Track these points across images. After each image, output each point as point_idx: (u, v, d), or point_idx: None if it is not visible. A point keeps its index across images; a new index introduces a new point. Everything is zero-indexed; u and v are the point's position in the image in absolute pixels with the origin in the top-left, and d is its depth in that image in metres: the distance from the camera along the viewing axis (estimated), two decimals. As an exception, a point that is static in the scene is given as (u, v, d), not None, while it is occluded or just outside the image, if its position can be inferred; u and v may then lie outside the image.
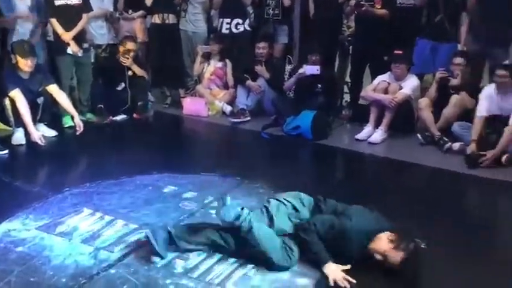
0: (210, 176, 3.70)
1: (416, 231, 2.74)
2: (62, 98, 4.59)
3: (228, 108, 5.41)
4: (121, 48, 5.20)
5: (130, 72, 5.21)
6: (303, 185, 3.76)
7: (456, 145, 4.25)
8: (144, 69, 5.40)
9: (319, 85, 4.96)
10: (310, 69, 4.92)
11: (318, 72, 4.88)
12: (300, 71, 5.00)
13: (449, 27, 4.69)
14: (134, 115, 5.19)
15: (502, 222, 3.37)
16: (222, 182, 3.58)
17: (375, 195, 3.56)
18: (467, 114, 4.37)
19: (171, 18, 5.55)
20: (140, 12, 5.64)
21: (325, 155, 4.47)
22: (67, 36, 4.82)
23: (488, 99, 4.09)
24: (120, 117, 5.16)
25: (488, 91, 4.12)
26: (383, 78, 4.75)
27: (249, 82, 5.31)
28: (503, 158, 3.94)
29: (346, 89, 5.61)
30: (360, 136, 4.64)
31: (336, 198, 3.37)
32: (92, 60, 5.37)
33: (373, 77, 4.99)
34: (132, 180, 3.59)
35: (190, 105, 5.48)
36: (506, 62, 4.09)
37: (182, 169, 3.78)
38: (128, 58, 5.14)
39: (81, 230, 2.87)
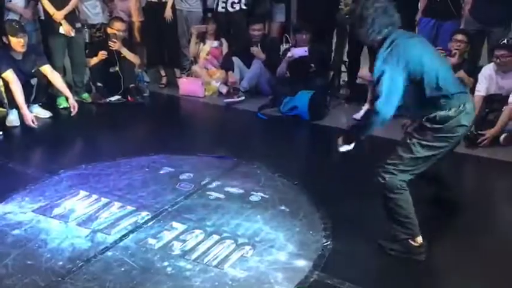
0: (207, 157, 3.67)
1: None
2: (56, 79, 4.53)
3: (224, 89, 5.36)
4: (109, 30, 5.11)
5: (122, 55, 5.14)
6: (301, 165, 3.77)
7: (454, 125, 4.22)
8: (135, 51, 5.31)
9: (312, 65, 4.91)
10: (298, 51, 4.86)
11: (306, 53, 4.82)
12: (289, 54, 4.94)
13: (452, 5, 4.62)
14: (128, 98, 5.13)
15: (500, 201, 3.37)
16: (219, 163, 3.56)
17: (372, 176, 3.54)
18: (465, 94, 4.34)
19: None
20: (134, -9, 5.53)
21: (323, 135, 4.44)
22: (58, 15, 4.73)
23: (487, 79, 4.05)
24: (114, 98, 5.10)
25: (488, 71, 4.07)
26: (381, 57, 4.69)
27: (253, 48, 5.23)
28: (502, 137, 3.93)
29: (343, 69, 5.55)
30: (358, 116, 4.60)
31: (334, 179, 3.40)
32: (87, 41, 5.29)
33: (372, 56, 4.92)
34: (129, 161, 3.56)
35: (187, 86, 5.43)
36: (504, 41, 4.03)
37: (179, 150, 3.76)
38: (115, 42, 5.05)
39: (78, 212, 2.86)
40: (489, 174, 3.64)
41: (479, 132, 3.91)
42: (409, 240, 2.44)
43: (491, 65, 4.10)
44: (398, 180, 2.42)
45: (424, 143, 2.39)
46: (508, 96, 3.94)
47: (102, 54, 5.08)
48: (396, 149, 2.47)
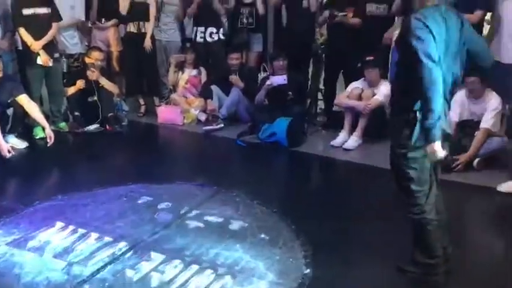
0: (186, 185, 3.66)
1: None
2: (33, 109, 4.48)
3: (203, 116, 5.39)
4: (87, 60, 5.13)
5: (100, 84, 5.15)
6: (280, 192, 3.79)
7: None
8: (114, 81, 5.33)
9: (290, 93, 5.00)
10: (277, 79, 4.96)
11: (285, 81, 4.93)
12: (268, 82, 5.03)
13: None
14: (107, 127, 5.11)
15: (474, 225, 3.43)
16: (198, 191, 3.55)
17: (350, 201, 3.59)
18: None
19: (146, 27, 5.46)
20: (113, 21, 5.58)
21: (301, 162, 4.49)
22: (36, 46, 4.73)
23: (459, 105, 4.17)
24: (92, 128, 5.07)
25: (460, 97, 4.19)
26: (356, 84, 4.81)
27: (232, 76, 5.28)
28: (475, 162, 4.03)
29: (320, 96, 5.65)
30: (335, 142, 4.68)
31: (313, 206, 3.42)
32: (64, 70, 5.29)
33: (347, 84, 5.04)
34: (106, 191, 3.52)
35: (165, 114, 5.44)
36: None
37: (157, 179, 3.74)
38: (93, 71, 5.06)
39: (53, 244, 2.80)
40: (463, 199, 3.71)
41: (454, 157, 4.00)
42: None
43: (463, 91, 4.22)
44: (429, 210, 2.41)
45: (410, 155, 2.32)
46: (479, 122, 4.06)
47: (80, 84, 5.07)
48: (399, 180, 2.43)
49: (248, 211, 3.25)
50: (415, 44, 2.17)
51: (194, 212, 3.20)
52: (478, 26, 4.45)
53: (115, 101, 5.36)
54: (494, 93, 4.08)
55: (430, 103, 2.14)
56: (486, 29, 4.78)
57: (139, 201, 3.37)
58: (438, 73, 2.15)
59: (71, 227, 2.98)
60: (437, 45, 2.19)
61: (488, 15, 4.62)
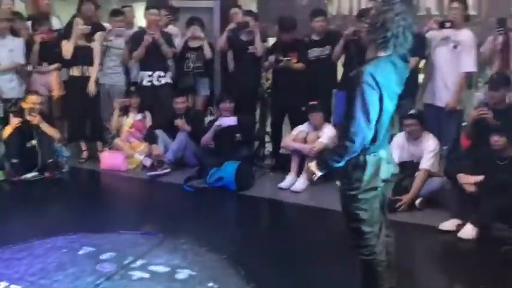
0: (130, 234, 3.52)
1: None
2: (-36, 157, 4.23)
3: (148, 161, 5.28)
4: (23, 104, 4.95)
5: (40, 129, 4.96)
6: (229, 238, 3.71)
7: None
8: (54, 125, 5.17)
9: (238, 135, 5.03)
10: (227, 120, 4.99)
11: (235, 123, 4.96)
12: (217, 123, 5.04)
13: None
14: (46, 174, 4.88)
15: (420, 263, 3.49)
16: (143, 240, 3.42)
17: (299, 244, 3.57)
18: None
19: (90, 71, 5.36)
20: (56, 65, 5.46)
21: (250, 206, 4.46)
22: (-30, 90, 4.52)
23: (399, 147, 4.33)
24: (31, 175, 4.82)
25: (399, 139, 4.36)
26: (302, 128, 4.90)
27: (177, 120, 5.24)
28: (417, 202, 4.15)
29: (267, 139, 5.71)
30: (282, 185, 4.70)
31: (262, 249, 3.37)
32: (1, 115, 5.06)
33: (293, 127, 5.13)
34: (44, 242, 3.33)
35: (109, 160, 5.29)
36: (413, 111, 4.39)
37: (100, 228, 3.58)
38: (35, 116, 4.88)
39: (-18, 304, 2.58)
40: (408, 238, 3.77)
41: (397, 197, 4.11)
42: None
43: (403, 133, 4.40)
44: (379, 251, 2.40)
45: (361, 196, 2.32)
46: (419, 163, 4.22)
47: (15, 121, 4.86)
48: (350, 222, 2.41)
49: (196, 259, 3.15)
50: (359, 97, 2.20)
51: (139, 262, 3.07)
52: (414, 72, 4.72)
53: (55, 147, 5.16)
54: (431, 135, 4.28)
55: (344, 153, 2.24)
56: (421, 76, 5.05)
57: (80, 252, 3.20)
58: (367, 133, 2.22)
59: (3, 284, 2.77)
60: (388, 95, 2.27)
61: (422, 63, 4.90)
